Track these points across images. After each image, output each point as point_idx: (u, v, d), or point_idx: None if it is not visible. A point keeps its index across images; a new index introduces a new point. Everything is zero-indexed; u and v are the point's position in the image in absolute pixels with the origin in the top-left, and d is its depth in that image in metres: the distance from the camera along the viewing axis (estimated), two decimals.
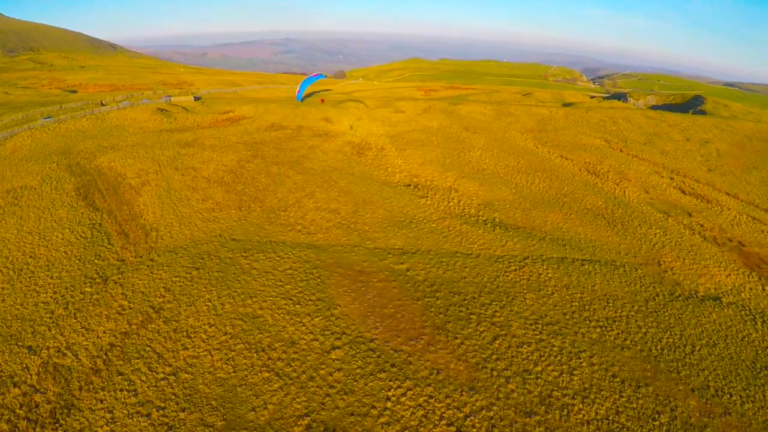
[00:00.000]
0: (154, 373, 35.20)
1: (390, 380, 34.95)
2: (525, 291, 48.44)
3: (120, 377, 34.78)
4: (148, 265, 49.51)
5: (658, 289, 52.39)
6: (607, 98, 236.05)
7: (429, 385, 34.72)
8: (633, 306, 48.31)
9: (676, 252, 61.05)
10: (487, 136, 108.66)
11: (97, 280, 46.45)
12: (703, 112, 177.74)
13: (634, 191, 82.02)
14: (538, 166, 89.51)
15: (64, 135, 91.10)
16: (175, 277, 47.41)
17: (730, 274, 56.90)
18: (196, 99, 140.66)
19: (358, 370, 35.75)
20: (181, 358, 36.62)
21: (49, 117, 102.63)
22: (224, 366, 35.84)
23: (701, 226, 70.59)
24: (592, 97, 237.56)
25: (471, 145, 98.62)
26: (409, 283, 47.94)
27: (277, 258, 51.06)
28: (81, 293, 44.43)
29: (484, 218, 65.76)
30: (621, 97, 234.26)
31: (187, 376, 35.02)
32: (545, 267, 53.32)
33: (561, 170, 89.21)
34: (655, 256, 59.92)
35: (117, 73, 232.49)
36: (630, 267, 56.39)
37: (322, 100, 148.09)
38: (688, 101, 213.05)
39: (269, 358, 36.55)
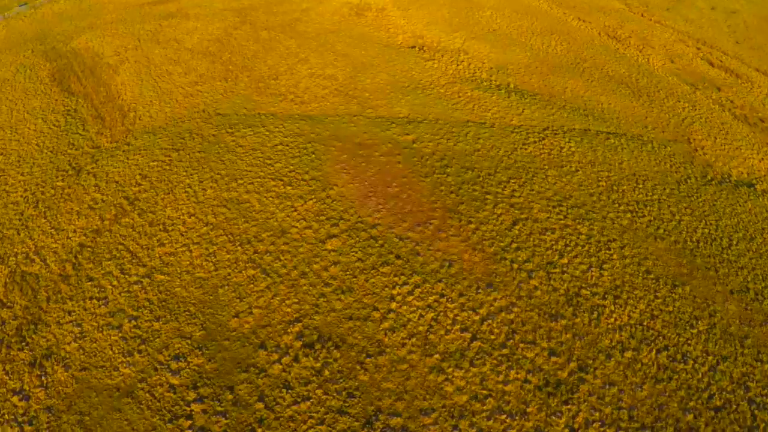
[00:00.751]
0: (126, 276, 29.69)
1: (395, 275, 29.49)
2: (546, 167, 42.24)
3: (90, 283, 29.28)
4: (124, 151, 43.24)
5: (689, 170, 46.31)
6: None
7: (440, 280, 29.29)
8: (664, 189, 42.44)
9: (707, 129, 54.59)
10: None
11: (70, 172, 40.35)
12: None
13: (658, 59, 74.26)
14: (554, 28, 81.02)
15: (40, 20, 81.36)
16: (153, 161, 41.22)
17: (763, 158, 50.75)
18: None
19: (357, 264, 30.20)
20: (157, 256, 31.01)
21: (25, 4, 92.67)
22: (204, 263, 30.29)
23: (731, 102, 63.59)
24: None
25: (480, 5, 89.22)
26: (415, 157, 41.64)
27: (267, 133, 44.59)
28: (52, 188, 38.47)
29: (498, 83, 58.50)
30: None
31: (162, 277, 29.52)
32: (567, 140, 46.85)
33: (579, 33, 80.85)
34: (684, 133, 53.50)
35: None
36: (658, 143, 50.07)
37: None
38: None
39: (255, 252, 30.90)
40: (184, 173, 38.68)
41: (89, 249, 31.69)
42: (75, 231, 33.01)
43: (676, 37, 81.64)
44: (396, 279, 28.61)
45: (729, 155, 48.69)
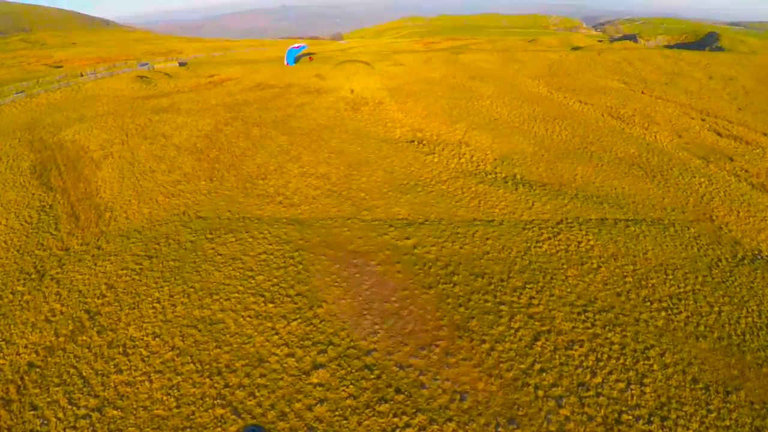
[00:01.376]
0: (74, 408, 25.45)
1: (394, 415, 24.65)
2: (565, 266, 38.11)
3: (32, 413, 25.14)
4: (93, 255, 40.01)
5: (718, 251, 42.38)
6: (616, 40, 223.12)
7: (450, 419, 24.48)
8: (696, 277, 38.28)
9: (727, 204, 51.12)
10: (495, 83, 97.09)
11: (33, 276, 37.09)
12: (720, 49, 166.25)
13: (666, 135, 71.52)
14: (557, 113, 78.72)
15: (33, 109, 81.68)
16: (122, 269, 37.69)
17: None
18: (181, 64, 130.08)
19: (348, 401, 25.41)
20: (112, 385, 26.78)
21: (22, 92, 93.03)
22: (165, 398, 25.89)
23: (746, 171, 60.29)
24: (600, 41, 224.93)
25: (479, 94, 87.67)
26: (417, 264, 37.50)
27: (250, 239, 41.07)
28: (12, 293, 35.14)
29: (503, 175, 55.20)
30: (630, 38, 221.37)
31: (115, 413, 25.19)
32: (584, 232, 43.03)
33: (582, 116, 78.44)
34: (705, 210, 49.95)
35: (107, 47, 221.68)
36: (681, 225, 46.36)
37: (311, 58, 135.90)
38: (702, 39, 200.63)
39: (226, 385, 26.42)
40: (154, 285, 34.63)
41: (38, 370, 27.20)
42: (26, 347, 28.62)
43: (679, 111, 78.85)
44: (396, 420, 23.91)
45: (755, 228, 44.39)
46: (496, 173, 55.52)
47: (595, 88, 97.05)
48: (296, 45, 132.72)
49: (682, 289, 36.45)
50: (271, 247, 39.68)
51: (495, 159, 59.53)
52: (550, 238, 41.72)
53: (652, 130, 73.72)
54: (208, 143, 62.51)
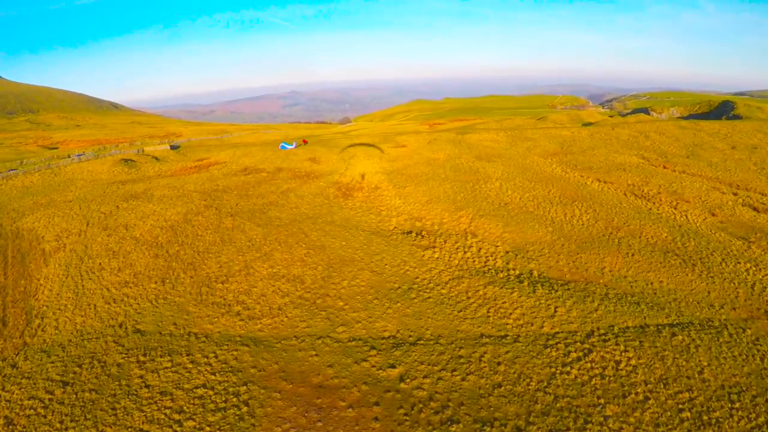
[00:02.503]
0: None
1: None
2: (602, 400, 28.54)
3: None
4: (5, 375, 32.02)
5: None
6: (628, 114, 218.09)
7: None
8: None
9: None
10: (504, 163, 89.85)
11: None
12: (738, 117, 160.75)
13: (697, 214, 63.31)
14: (574, 194, 70.83)
15: (6, 192, 78.25)
16: (30, 398, 29.40)
17: None
18: (173, 147, 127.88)
19: None
20: None
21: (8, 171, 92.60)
22: None
23: None
24: (611, 116, 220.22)
25: (487, 176, 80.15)
26: (402, 407, 27.78)
27: (190, 365, 32.24)
28: None
29: (517, 272, 46.46)
30: (642, 112, 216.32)
31: None
32: (622, 347, 33.65)
33: (602, 197, 70.47)
34: (759, 304, 41.23)
35: (110, 129, 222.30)
36: (735, 327, 37.43)
37: (305, 141, 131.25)
38: (716, 108, 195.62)
39: None
40: (58, 425, 26.57)
41: None
42: None
43: (707, 185, 72.02)
44: None
45: None
46: (508, 270, 46.87)
47: (613, 165, 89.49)
48: (290, 143, 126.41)
49: (754, 423, 27.30)
50: (213, 378, 30.75)
51: (507, 252, 51.13)
52: (579, 359, 32.35)
53: (681, 208, 65.57)
54: (171, 236, 55.05)
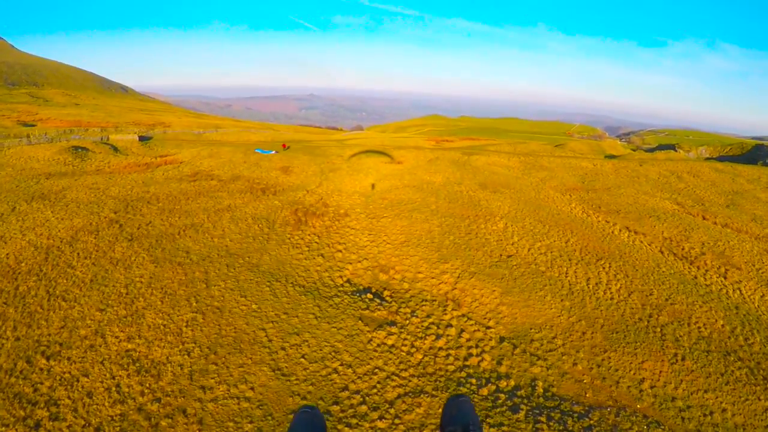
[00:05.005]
0: None
1: None
2: None
3: None
4: None
5: None
6: (653, 150, 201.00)
7: None
8: None
9: None
10: (513, 196, 72.71)
11: None
12: None
13: (753, 288, 46.71)
14: (599, 248, 53.95)
15: None
16: None
17: None
18: (143, 139, 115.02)
19: None
20: None
21: None
22: None
23: None
24: (634, 149, 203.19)
25: (489, 212, 63.28)
26: None
27: None
28: None
29: (512, 385, 28.97)
30: (669, 148, 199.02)
31: None
32: None
33: (635, 254, 53.54)
34: None
35: (103, 111, 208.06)
36: None
37: (285, 146, 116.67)
38: (749, 152, 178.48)
39: None
40: None
41: None
42: None
43: (758, 247, 56.29)
44: None
45: None
46: (498, 379, 29.60)
47: (644, 209, 72.46)
48: (267, 149, 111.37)
49: None
50: None
51: (501, 341, 34.28)
52: None
53: (732, 278, 48.89)
54: (39, 263, 38.98)
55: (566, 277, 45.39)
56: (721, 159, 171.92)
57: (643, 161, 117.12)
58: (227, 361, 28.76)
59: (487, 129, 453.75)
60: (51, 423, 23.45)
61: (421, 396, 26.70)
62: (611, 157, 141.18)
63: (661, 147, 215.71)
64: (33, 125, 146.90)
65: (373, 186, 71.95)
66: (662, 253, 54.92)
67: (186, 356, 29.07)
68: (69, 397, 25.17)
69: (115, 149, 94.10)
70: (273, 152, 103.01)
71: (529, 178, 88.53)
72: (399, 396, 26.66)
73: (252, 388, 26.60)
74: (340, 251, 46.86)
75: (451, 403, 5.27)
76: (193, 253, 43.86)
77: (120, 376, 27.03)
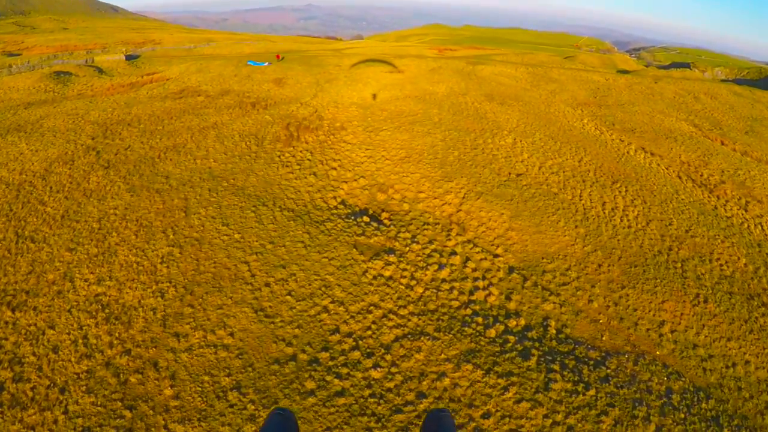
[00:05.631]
0: None
1: None
2: None
3: None
4: None
5: None
6: (666, 67, 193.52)
7: None
8: None
9: None
10: (522, 109, 67.73)
11: None
12: None
13: None
14: (615, 169, 49.91)
15: None
16: None
17: None
18: (130, 58, 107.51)
19: None
20: None
21: None
22: None
23: None
24: (647, 65, 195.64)
25: (497, 125, 58.79)
26: None
27: None
28: None
29: (522, 325, 25.98)
30: (684, 66, 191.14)
31: None
32: None
33: (652, 178, 49.47)
34: None
35: (92, 33, 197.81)
36: None
37: (279, 57, 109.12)
38: (766, 77, 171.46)
39: None
40: None
41: None
42: None
43: None
44: None
45: None
46: (507, 317, 26.34)
47: (660, 129, 67.90)
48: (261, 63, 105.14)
49: None
50: None
51: (510, 270, 30.99)
52: None
53: (753, 212, 45.19)
54: (9, 201, 35.38)
55: (580, 200, 41.62)
56: (738, 82, 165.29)
57: (658, 78, 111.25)
58: (204, 302, 25.43)
59: (492, 39, 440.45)
60: (14, 385, 20.39)
61: (422, 339, 23.40)
62: (624, 72, 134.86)
63: (675, 65, 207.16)
64: (18, 54, 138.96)
65: (374, 96, 67.14)
66: (680, 178, 51.06)
67: (159, 298, 25.65)
68: (34, 353, 22.01)
69: (100, 71, 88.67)
70: (266, 64, 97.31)
71: (538, 91, 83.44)
72: (396, 338, 23.34)
73: (231, 334, 23.34)
74: (335, 169, 42.78)
75: (432, 418, 5.43)
76: (173, 177, 39.83)
77: (88, 325, 23.76)
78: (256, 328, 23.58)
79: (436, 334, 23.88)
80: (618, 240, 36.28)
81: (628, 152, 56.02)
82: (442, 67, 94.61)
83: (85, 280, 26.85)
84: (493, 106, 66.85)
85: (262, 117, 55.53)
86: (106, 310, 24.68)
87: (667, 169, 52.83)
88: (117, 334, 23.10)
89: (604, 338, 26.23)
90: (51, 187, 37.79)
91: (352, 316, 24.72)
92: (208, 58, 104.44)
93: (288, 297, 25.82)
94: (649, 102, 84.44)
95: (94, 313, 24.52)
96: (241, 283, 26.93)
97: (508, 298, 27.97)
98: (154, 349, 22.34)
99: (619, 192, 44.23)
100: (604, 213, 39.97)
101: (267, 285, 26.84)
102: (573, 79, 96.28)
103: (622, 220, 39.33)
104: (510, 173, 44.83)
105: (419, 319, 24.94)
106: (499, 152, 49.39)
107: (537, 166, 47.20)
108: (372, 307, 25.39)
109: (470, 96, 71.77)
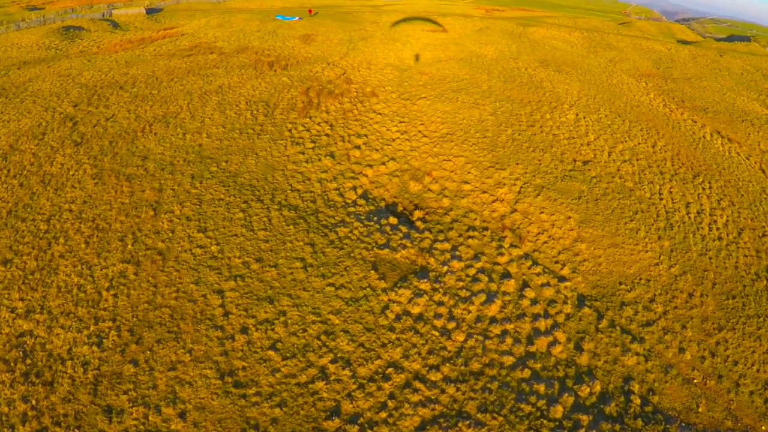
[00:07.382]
0: None
1: None
2: None
3: None
4: None
5: None
6: (727, 40, 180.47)
7: None
8: None
9: None
10: (581, 79, 59.13)
11: None
12: None
13: None
14: (693, 158, 41.50)
15: None
16: None
17: None
18: (151, 12, 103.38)
19: None
20: None
21: None
22: None
23: None
24: (704, 37, 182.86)
25: (555, 97, 50.29)
26: None
27: None
28: None
29: (598, 389, 18.54)
30: (743, 39, 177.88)
31: None
32: None
33: (734, 171, 40.54)
34: None
35: None
36: None
37: (311, 11, 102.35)
38: None
39: None
40: None
41: None
42: None
43: None
44: None
45: None
46: (579, 383, 18.93)
47: (734, 110, 58.62)
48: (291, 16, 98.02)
49: None
50: None
51: (579, 301, 23.31)
52: None
53: None
54: None
55: (660, 199, 33.62)
56: None
57: (723, 51, 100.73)
58: (153, 356, 18.36)
59: (540, 1, 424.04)
60: None
61: (460, 426, 16.11)
62: (684, 42, 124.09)
63: (734, 38, 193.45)
64: (41, 8, 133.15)
65: (417, 57, 59.16)
66: (764, 172, 42.66)
67: (95, 347, 18.72)
68: None
69: (115, 25, 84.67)
70: (297, 18, 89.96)
71: (596, 58, 74.45)
72: (423, 425, 16.01)
73: (182, 414, 16.33)
74: (358, 147, 35.02)
75: None
76: (151, 158, 32.52)
77: (2, 382, 17.18)
78: (219, 406, 16.55)
79: (480, 416, 16.56)
80: (709, 258, 28.46)
81: (703, 136, 47.63)
82: (490, 28, 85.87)
83: (12, 310, 20.22)
84: (549, 74, 58.40)
85: (278, 79, 47.83)
86: (27, 361, 17.98)
87: (747, 159, 44.46)
88: (34, 401, 16.44)
89: (700, 409, 19.02)
90: (9, 170, 31.22)
91: (361, 386, 17.44)
92: (233, 12, 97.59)
93: (271, 352, 18.59)
94: (717, 77, 74.96)
95: (12, 365, 17.95)
96: (208, 327, 19.85)
97: (579, 348, 20.56)
98: (76, 430, 15.60)
99: (703, 189, 36.22)
100: (690, 218, 32.03)
101: (244, 331, 19.69)
102: (632, 47, 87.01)
103: (711, 229, 31.45)
104: (575, 160, 36.68)
105: (457, 390, 17.57)
106: (560, 132, 41.17)
107: (606, 151, 39.01)
108: (390, 370, 18.01)
109: (522, 61, 63.29)
